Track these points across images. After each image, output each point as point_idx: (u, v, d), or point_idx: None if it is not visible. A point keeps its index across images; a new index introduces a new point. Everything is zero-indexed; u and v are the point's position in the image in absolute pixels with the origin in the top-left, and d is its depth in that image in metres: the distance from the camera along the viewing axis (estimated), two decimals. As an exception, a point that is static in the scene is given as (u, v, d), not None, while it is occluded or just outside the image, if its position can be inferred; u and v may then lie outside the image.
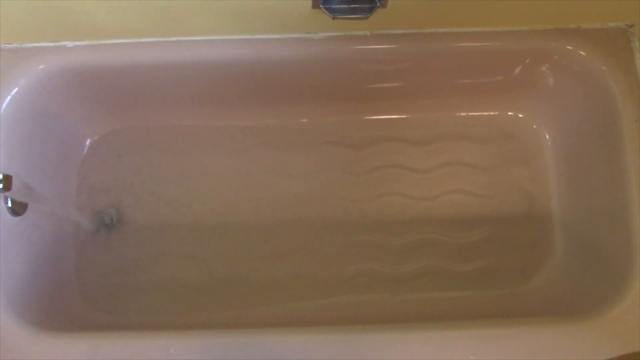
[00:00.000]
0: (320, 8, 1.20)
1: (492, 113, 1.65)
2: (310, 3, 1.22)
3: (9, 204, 1.29)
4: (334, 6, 1.21)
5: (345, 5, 1.22)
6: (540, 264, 1.53)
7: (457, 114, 1.65)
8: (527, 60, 1.44)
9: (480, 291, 1.52)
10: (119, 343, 1.15)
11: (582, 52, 1.37)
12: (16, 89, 1.32)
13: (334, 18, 1.20)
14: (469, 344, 1.14)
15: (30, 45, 1.35)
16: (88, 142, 1.62)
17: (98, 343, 1.16)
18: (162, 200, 1.60)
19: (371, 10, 1.21)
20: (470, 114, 1.65)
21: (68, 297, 1.48)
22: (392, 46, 1.38)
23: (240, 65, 1.42)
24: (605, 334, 1.14)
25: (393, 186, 1.62)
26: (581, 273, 1.43)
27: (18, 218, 1.32)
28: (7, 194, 1.23)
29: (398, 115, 1.65)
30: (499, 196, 1.60)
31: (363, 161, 1.64)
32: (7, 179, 1.15)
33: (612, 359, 1.12)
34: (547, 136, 1.60)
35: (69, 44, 1.35)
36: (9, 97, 1.31)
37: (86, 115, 1.56)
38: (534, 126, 1.62)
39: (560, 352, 1.13)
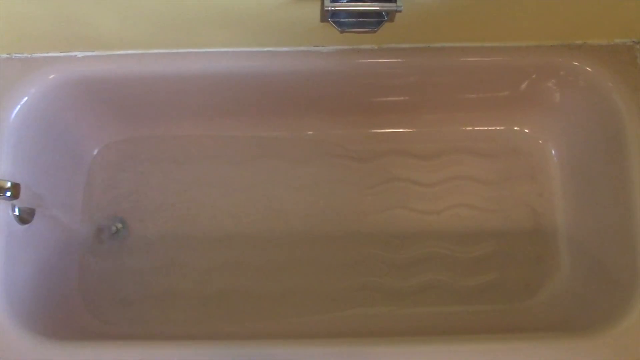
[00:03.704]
0: (328, 21, 1.21)
1: (498, 128, 1.65)
2: (318, 16, 1.23)
3: (17, 212, 1.30)
4: (342, 20, 1.22)
5: (353, 19, 1.22)
6: (545, 279, 1.53)
7: (464, 129, 1.66)
8: (534, 76, 1.45)
9: (484, 306, 1.52)
10: (123, 353, 1.15)
11: (588, 68, 1.37)
12: (25, 98, 1.33)
13: (342, 32, 1.21)
14: (473, 358, 1.14)
15: (40, 55, 1.36)
16: (95, 151, 1.63)
17: (102, 352, 1.16)
18: (167, 211, 1.60)
19: (379, 24, 1.21)
20: (476, 128, 1.66)
21: (72, 306, 1.49)
22: (399, 60, 1.39)
23: (248, 77, 1.43)
24: (609, 350, 1.13)
25: (398, 200, 1.62)
26: (586, 289, 1.42)
27: (25, 226, 1.33)
28: (15, 202, 1.24)
29: (404, 128, 1.66)
30: (505, 211, 1.60)
31: (369, 174, 1.64)
32: (15, 187, 1.15)
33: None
34: (553, 151, 1.60)
35: (79, 54, 1.36)
36: (19, 106, 1.32)
37: (94, 125, 1.57)
38: (540, 141, 1.62)
39: (563, 367, 1.13)
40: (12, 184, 1.14)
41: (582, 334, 1.18)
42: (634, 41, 1.38)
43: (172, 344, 1.17)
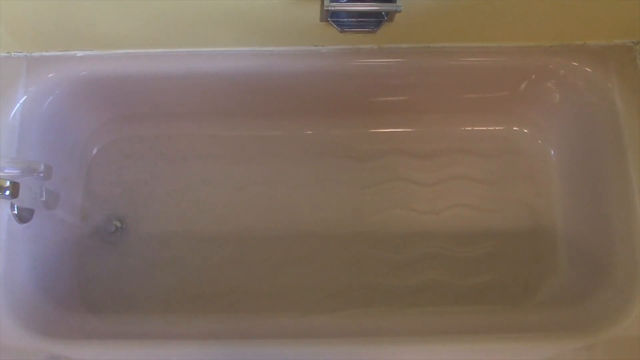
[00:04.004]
0: (328, 21, 1.21)
1: (497, 128, 1.65)
2: (318, 16, 1.23)
3: (16, 211, 1.29)
4: (341, 20, 1.22)
5: (353, 19, 1.23)
6: (544, 279, 1.53)
7: (463, 129, 1.66)
8: (533, 76, 1.45)
9: (484, 305, 1.52)
10: (123, 352, 1.16)
11: (587, 69, 1.37)
12: (25, 97, 1.33)
13: (341, 31, 1.21)
14: (473, 358, 1.14)
15: (39, 54, 1.36)
16: (95, 150, 1.63)
17: (102, 352, 1.16)
18: (166, 210, 1.60)
19: (379, 24, 1.22)
20: (475, 128, 1.66)
21: (71, 305, 1.48)
22: (399, 60, 1.39)
23: (248, 77, 1.43)
24: (609, 350, 1.14)
25: (397, 199, 1.62)
26: (584, 289, 1.42)
27: (24, 225, 1.32)
28: (14, 201, 1.23)
29: (404, 128, 1.66)
30: (504, 211, 1.60)
31: (368, 174, 1.64)
32: (15, 186, 1.15)
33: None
34: (552, 152, 1.60)
35: (79, 53, 1.36)
36: (18, 105, 1.32)
37: (94, 124, 1.57)
38: (539, 141, 1.62)
39: (562, 367, 1.13)
40: (11, 183, 1.14)
41: (582, 334, 1.18)
42: (633, 42, 1.38)
43: (172, 344, 1.17)
